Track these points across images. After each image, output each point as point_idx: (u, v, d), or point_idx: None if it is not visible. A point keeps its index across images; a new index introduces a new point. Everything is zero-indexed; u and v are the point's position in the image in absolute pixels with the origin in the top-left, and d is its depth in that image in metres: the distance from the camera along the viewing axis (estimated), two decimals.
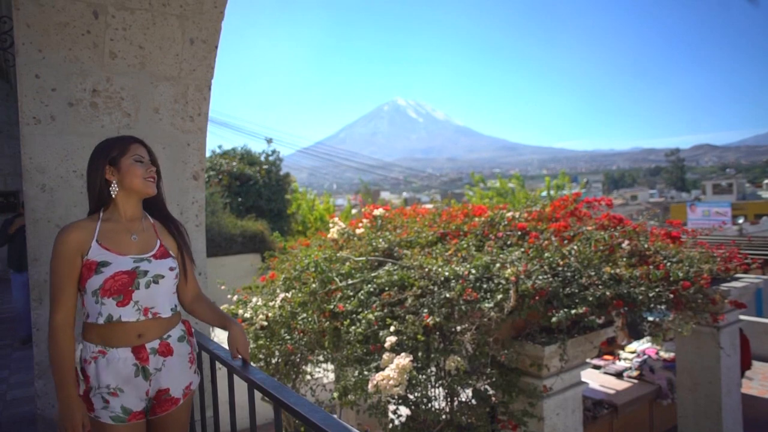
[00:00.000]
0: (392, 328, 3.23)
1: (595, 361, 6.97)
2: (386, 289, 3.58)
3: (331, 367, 4.52)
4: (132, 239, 1.84)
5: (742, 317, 5.66)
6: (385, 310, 3.44)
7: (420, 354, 3.16)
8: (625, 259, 3.74)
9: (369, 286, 3.66)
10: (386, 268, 3.84)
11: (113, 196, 1.83)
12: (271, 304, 4.17)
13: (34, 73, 2.24)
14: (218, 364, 2.10)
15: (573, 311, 3.19)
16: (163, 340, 1.83)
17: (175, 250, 1.96)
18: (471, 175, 21.89)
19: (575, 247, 3.69)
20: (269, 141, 18.98)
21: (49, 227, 2.32)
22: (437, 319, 3.20)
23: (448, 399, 3.53)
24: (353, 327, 3.40)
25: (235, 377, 1.91)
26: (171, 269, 1.87)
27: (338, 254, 4.25)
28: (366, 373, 3.18)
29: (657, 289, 3.43)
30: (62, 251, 1.73)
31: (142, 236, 1.88)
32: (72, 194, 2.37)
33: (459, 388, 3.36)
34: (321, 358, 4.18)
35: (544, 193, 18.01)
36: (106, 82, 2.41)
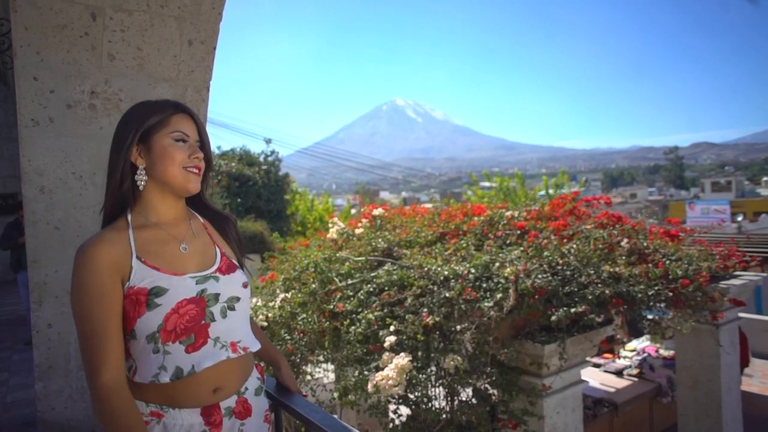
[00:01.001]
0: (392, 328, 3.24)
1: (595, 360, 6.98)
2: (386, 288, 3.58)
3: (331, 367, 4.52)
4: (182, 250, 1.29)
5: (741, 315, 5.67)
6: (385, 310, 3.44)
7: (420, 353, 3.16)
8: (624, 258, 3.74)
9: (368, 286, 3.67)
10: (386, 267, 3.84)
11: (140, 188, 1.27)
12: (270, 304, 4.18)
13: (32, 75, 2.24)
14: None
15: (572, 310, 3.19)
16: (240, 395, 1.32)
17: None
18: (470, 175, 21.91)
19: (574, 246, 3.69)
20: (268, 141, 19.04)
21: (48, 229, 2.32)
22: (437, 319, 3.20)
23: (449, 398, 3.54)
24: (353, 327, 3.40)
25: None
26: (245, 286, 1.37)
27: (338, 254, 4.25)
28: (366, 373, 3.19)
29: (656, 287, 3.43)
30: (95, 282, 1.15)
31: (195, 245, 1.33)
32: (71, 196, 2.37)
33: (459, 387, 3.37)
34: (321, 358, 4.18)
35: (543, 192, 18.04)
36: (105, 84, 2.41)
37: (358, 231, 4.76)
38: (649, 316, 3.92)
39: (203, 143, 1.36)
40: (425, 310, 3.29)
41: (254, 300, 4.44)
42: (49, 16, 2.22)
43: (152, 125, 1.26)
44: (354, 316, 3.50)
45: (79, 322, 1.16)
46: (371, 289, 3.63)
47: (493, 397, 3.49)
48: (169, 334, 1.19)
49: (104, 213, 1.30)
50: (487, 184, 21.68)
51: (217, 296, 1.27)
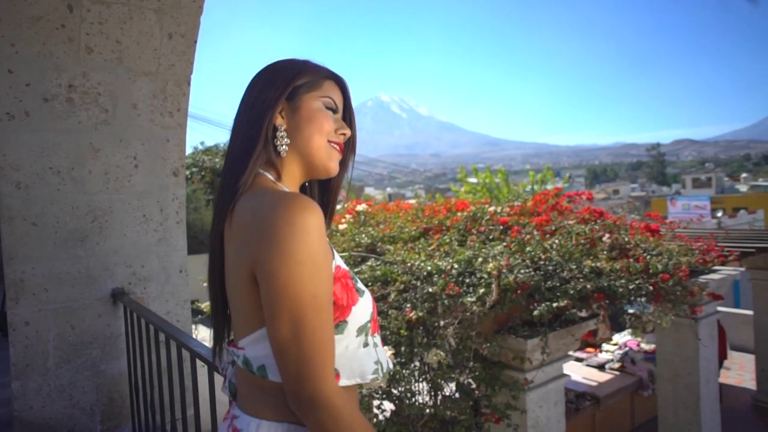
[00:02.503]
0: None
1: (578, 354, 7.06)
2: (369, 284, 3.58)
3: None
4: None
5: (720, 309, 5.77)
6: None
7: (403, 349, 3.17)
8: (605, 253, 3.78)
9: None
10: (369, 263, 3.84)
11: (282, 154, 1.01)
12: None
13: (6, 68, 2.19)
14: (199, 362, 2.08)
15: (555, 304, 3.22)
16: None
17: None
18: (461, 169, 21.90)
19: (557, 241, 3.72)
20: None
21: (24, 225, 2.28)
22: (420, 314, 3.21)
23: (432, 393, 3.55)
24: None
25: (216, 375, 1.90)
26: None
27: None
28: None
29: (637, 282, 3.47)
30: (328, 256, 0.89)
31: None
32: (48, 192, 2.33)
33: (442, 382, 3.38)
34: None
35: (529, 188, 18.12)
36: (83, 78, 2.37)
37: (341, 227, 4.76)
38: (630, 311, 3.97)
39: (350, 119, 1.09)
40: (408, 305, 3.30)
41: None
42: (24, 6, 2.17)
43: (303, 83, 1.03)
44: None
45: (305, 309, 0.83)
46: None
47: (476, 392, 3.51)
48: (376, 324, 0.99)
49: (241, 184, 0.96)
50: (475, 180, 21.66)
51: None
